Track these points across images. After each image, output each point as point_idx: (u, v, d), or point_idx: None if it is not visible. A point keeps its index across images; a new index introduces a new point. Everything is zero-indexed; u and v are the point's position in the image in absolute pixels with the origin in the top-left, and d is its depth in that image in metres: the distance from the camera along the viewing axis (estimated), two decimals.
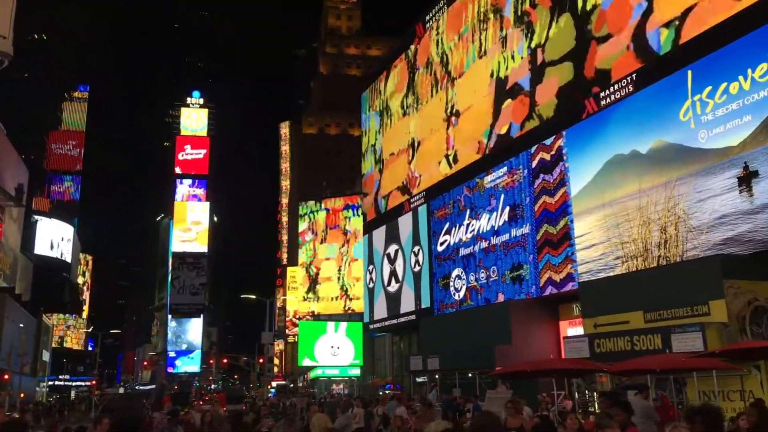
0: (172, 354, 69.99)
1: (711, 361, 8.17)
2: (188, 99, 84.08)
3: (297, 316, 46.61)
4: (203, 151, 76.37)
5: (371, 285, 25.37)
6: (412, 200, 22.29)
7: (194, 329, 71.96)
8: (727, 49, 10.77)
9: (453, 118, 19.91)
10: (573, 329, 14.70)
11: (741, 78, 10.48)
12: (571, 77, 14.58)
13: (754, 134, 10.26)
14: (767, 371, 8.90)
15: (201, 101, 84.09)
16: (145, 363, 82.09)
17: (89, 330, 75.59)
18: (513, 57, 16.73)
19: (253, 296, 43.20)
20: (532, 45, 15.97)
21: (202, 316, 71.76)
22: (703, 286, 9.94)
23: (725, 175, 10.72)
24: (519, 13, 16.62)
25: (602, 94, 13.55)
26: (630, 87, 12.81)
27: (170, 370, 68.28)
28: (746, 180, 10.36)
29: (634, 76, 12.73)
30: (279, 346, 57.06)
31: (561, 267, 14.50)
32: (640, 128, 12.52)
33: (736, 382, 9.22)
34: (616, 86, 13.18)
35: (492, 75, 17.65)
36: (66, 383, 54.05)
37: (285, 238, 67.11)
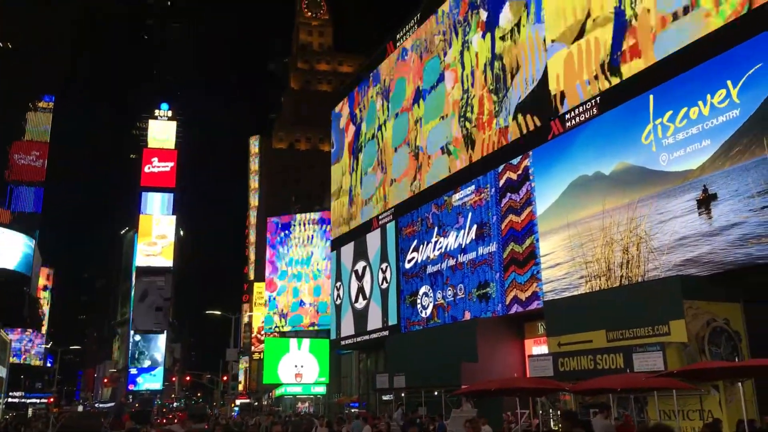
0: (133, 371, 68.46)
1: (670, 381, 8.30)
2: (156, 111, 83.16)
3: (265, 331, 46.00)
4: (170, 164, 75.47)
5: (338, 302, 25.25)
6: (380, 217, 22.31)
7: (157, 345, 70.54)
8: (688, 74, 11.08)
9: (419, 138, 20.04)
10: (538, 348, 14.82)
11: (701, 103, 10.78)
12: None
13: (713, 158, 10.54)
14: (726, 391, 9.06)
15: (169, 113, 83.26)
16: (106, 380, 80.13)
17: (48, 345, 73.55)
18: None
19: (218, 312, 42.64)
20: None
21: (165, 332, 70.46)
22: (663, 306, 10.11)
23: (685, 198, 10.98)
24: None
25: (567, 116, 13.80)
26: (594, 109, 13.07)
27: (132, 387, 66.76)
28: (705, 203, 10.63)
29: (598, 98, 13.00)
30: (244, 363, 56.28)
31: (527, 285, 14.64)
32: (604, 150, 12.77)
33: (695, 401, 9.38)
34: (580, 108, 13.43)
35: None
36: (22, 400, 52.41)
37: (252, 253, 66.45)
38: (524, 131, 15.24)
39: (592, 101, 13.14)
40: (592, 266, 12.80)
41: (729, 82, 10.33)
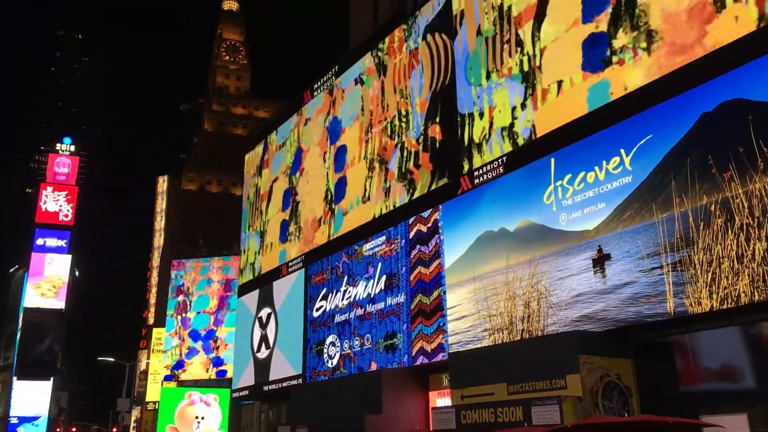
0: (14, 420, 63.01)
1: None
2: (58, 145, 79.40)
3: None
4: (70, 201, 71.76)
5: (242, 350, 24.51)
6: (290, 264, 22.07)
7: (42, 393, 65.48)
8: (586, 140, 11.82)
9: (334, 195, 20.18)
10: (442, 400, 14.91)
11: (597, 168, 11.51)
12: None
13: (607, 221, 11.22)
14: None
15: (72, 148, 79.65)
16: None
17: None
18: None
19: (112, 359, 40.37)
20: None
21: (52, 379, 65.70)
22: (561, 360, 10.45)
23: (582, 257, 11.58)
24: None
25: (476, 173, 14.34)
26: (500, 168, 13.66)
27: None
28: (600, 262, 11.25)
29: (504, 158, 13.60)
30: (136, 413, 53.20)
31: (433, 337, 14.81)
32: (509, 208, 13.33)
33: None
34: (488, 166, 13.99)
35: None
36: None
37: (153, 296, 63.72)
38: (434, 186, 15.69)
39: (499, 160, 13.74)
40: (496, 319, 13.15)
41: (622, 150, 11.11)
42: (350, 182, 19.42)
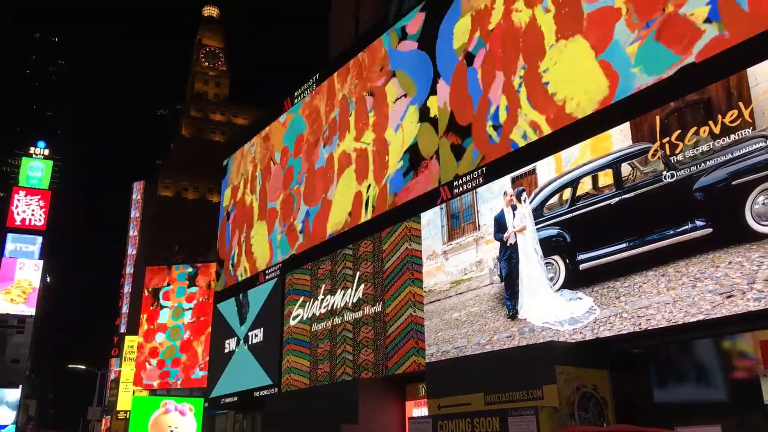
0: None
1: None
2: (32, 148, 78.18)
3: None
4: (42, 205, 70.57)
5: (217, 358, 24.24)
6: (267, 272, 21.91)
7: (9, 401, 64.01)
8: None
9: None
10: (419, 410, 14.87)
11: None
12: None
13: None
14: None
15: (46, 152, 78.51)
16: None
17: None
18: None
19: (83, 366, 39.67)
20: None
21: (20, 386, 64.27)
22: (538, 370, 10.49)
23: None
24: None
25: (455, 183, 14.39)
26: (480, 179, 13.73)
27: None
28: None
29: (484, 169, 13.67)
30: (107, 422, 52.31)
31: (410, 346, 14.76)
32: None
33: None
34: (468, 176, 14.05)
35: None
36: None
37: (126, 303, 62.83)
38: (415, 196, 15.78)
39: (478, 171, 13.81)
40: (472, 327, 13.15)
41: None
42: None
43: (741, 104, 9.15)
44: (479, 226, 13.54)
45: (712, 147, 9.41)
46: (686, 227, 9.57)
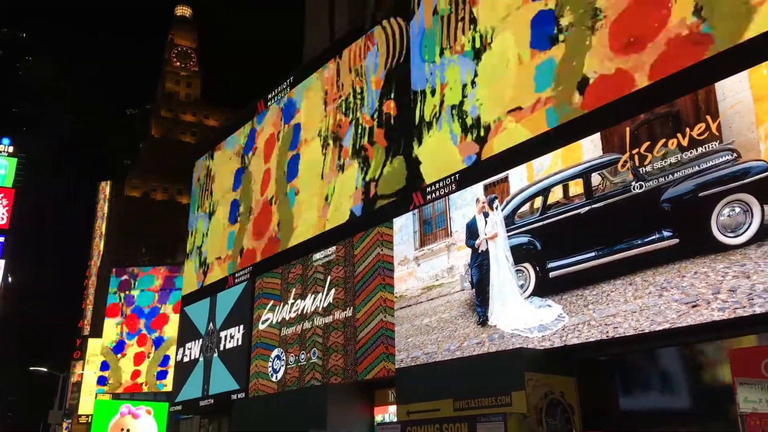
0: None
1: None
2: None
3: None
4: (6, 204, 68.84)
5: (182, 362, 23.90)
6: (237, 275, 21.69)
7: None
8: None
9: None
10: (388, 416, 14.84)
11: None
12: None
13: None
14: None
15: (11, 149, 76.57)
16: None
17: None
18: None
19: (45, 369, 38.76)
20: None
21: None
22: (506, 377, 10.55)
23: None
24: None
25: (428, 189, 14.44)
26: (453, 186, 13.80)
27: None
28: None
29: (457, 176, 13.74)
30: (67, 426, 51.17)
31: (380, 351, 14.74)
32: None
33: None
34: (441, 183, 14.11)
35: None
36: None
37: (90, 306, 61.58)
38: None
39: (451, 178, 13.87)
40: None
41: None
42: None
43: (709, 118, 9.36)
44: (451, 232, 13.60)
45: (680, 159, 9.60)
46: (654, 237, 9.74)
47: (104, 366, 39.98)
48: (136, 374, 39.24)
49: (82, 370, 52.44)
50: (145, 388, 38.73)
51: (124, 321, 39.81)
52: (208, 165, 25.67)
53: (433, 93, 14.79)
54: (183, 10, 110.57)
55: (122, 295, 40.22)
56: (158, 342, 38.97)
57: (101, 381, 40.22)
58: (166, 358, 38.29)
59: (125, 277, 40.30)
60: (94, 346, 50.09)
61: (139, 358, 39.58)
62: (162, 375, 38.12)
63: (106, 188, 72.17)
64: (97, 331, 50.96)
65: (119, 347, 39.59)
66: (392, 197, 15.54)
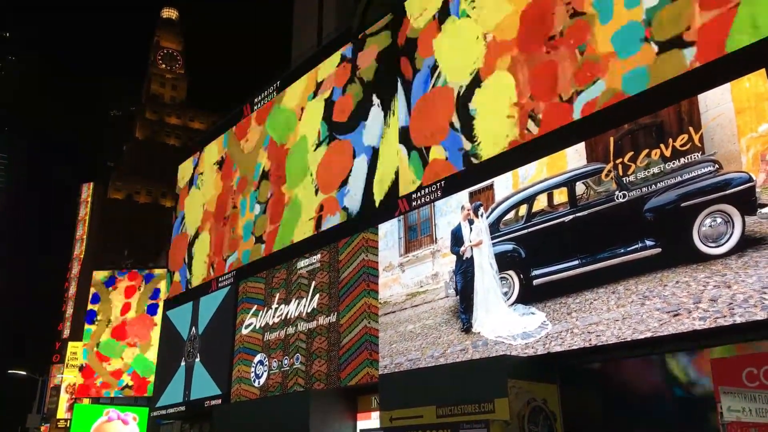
0: None
1: None
2: None
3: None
4: None
5: (163, 366, 23.69)
6: (220, 279, 21.57)
7: None
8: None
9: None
10: (370, 422, 14.80)
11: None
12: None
13: None
14: None
15: None
16: None
17: None
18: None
19: (23, 372, 38.26)
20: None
21: None
22: (490, 384, 10.58)
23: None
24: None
25: (414, 196, 14.47)
26: (438, 192, 13.84)
27: None
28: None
29: (442, 182, 13.79)
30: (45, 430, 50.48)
31: (363, 357, 14.71)
32: None
33: None
34: (426, 190, 14.15)
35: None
36: None
37: (70, 308, 60.87)
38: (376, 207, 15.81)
39: (437, 185, 13.92)
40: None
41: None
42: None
43: (691, 129, 9.48)
44: (436, 239, 13.64)
45: (662, 169, 9.71)
46: (636, 246, 9.83)
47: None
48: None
49: (62, 373, 51.86)
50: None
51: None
52: (193, 168, 25.52)
53: None
54: (169, 13, 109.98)
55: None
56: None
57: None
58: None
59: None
60: (74, 349, 49.53)
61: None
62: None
63: (88, 190, 71.46)
64: (76, 334, 50.38)
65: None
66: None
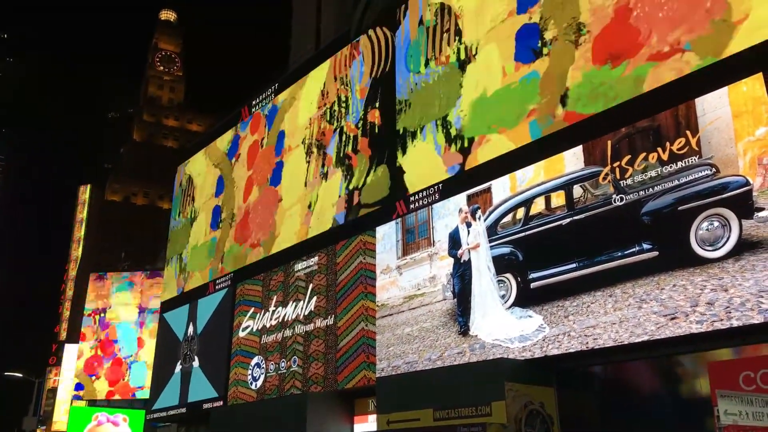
0: None
1: None
2: None
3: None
4: None
5: (160, 369, 23.65)
6: (217, 281, 21.55)
7: None
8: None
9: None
10: (367, 425, 14.79)
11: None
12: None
13: None
14: None
15: None
16: None
17: None
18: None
19: (20, 374, 38.15)
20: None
21: None
22: (487, 387, 10.58)
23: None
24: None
25: (412, 199, 14.48)
26: (436, 195, 13.85)
27: None
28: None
29: (440, 185, 13.80)
30: None
31: (360, 360, 14.70)
32: None
33: None
34: (424, 193, 14.16)
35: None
36: None
37: (67, 310, 60.70)
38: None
39: (435, 187, 13.93)
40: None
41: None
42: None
43: (689, 133, 9.50)
44: (434, 242, 13.64)
45: (660, 173, 9.73)
46: (633, 249, 9.84)
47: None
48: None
49: (58, 375, 51.71)
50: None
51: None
52: (191, 170, 25.51)
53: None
54: (168, 15, 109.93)
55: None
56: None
57: (78, 388, 39.55)
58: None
59: (101, 282, 39.60)
60: (70, 350, 49.37)
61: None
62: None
63: (85, 192, 71.32)
64: (73, 336, 50.28)
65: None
66: (376, 206, 15.56)
